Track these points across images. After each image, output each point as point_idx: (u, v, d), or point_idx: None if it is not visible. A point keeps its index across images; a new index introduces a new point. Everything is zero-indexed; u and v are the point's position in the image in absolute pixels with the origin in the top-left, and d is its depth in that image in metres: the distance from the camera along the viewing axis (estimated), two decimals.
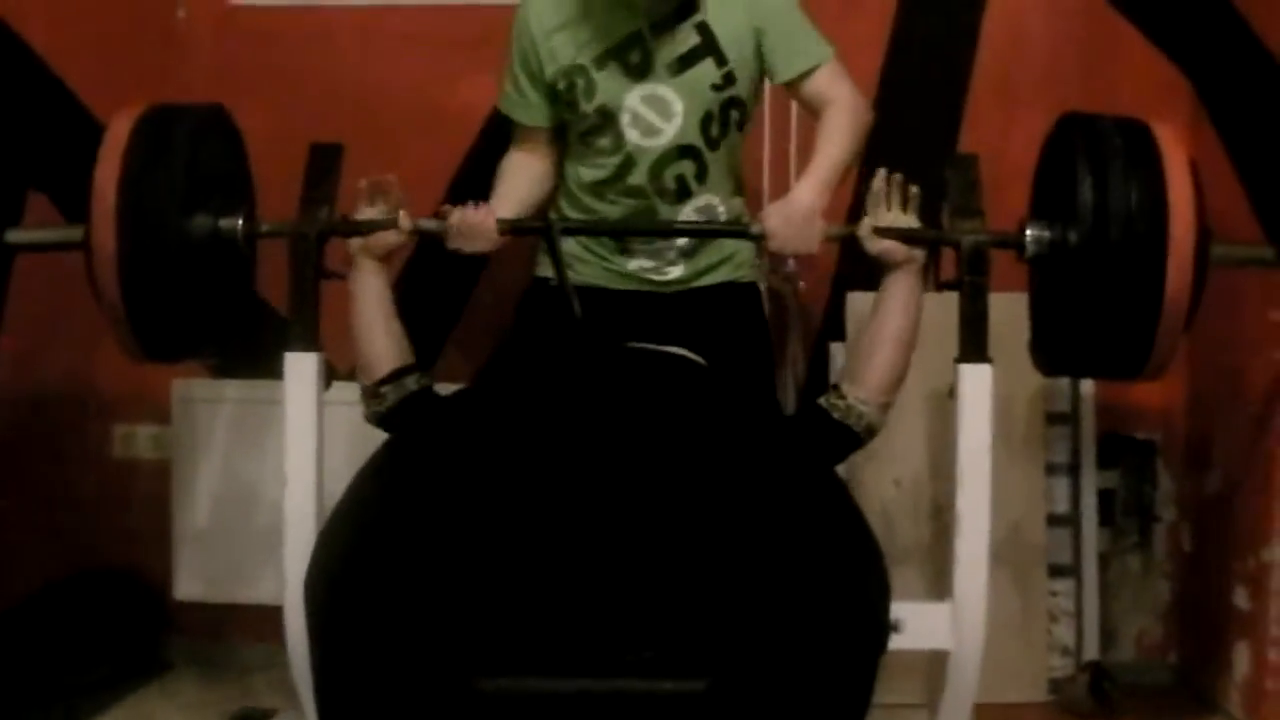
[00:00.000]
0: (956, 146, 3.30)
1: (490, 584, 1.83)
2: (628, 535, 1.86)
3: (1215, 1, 3.21)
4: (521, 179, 2.67)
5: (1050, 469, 3.30)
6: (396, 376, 2.37)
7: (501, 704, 1.78)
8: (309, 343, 2.42)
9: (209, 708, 3.29)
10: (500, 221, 2.47)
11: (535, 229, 2.61)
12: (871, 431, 2.30)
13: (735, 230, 2.64)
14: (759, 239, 2.47)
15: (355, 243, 2.41)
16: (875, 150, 3.32)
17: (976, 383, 2.37)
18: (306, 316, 2.42)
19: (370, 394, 2.38)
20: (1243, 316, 3.03)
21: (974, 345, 2.37)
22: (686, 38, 2.56)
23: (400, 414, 2.35)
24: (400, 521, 1.95)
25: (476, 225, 2.45)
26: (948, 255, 2.42)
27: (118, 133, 2.35)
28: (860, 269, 3.16)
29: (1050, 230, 2.36)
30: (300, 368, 2.42)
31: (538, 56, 2.61)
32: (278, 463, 2.43)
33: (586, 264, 2.70)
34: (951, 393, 2.39)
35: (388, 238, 2.41)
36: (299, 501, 2.40)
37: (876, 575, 1.94)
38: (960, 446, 2.37)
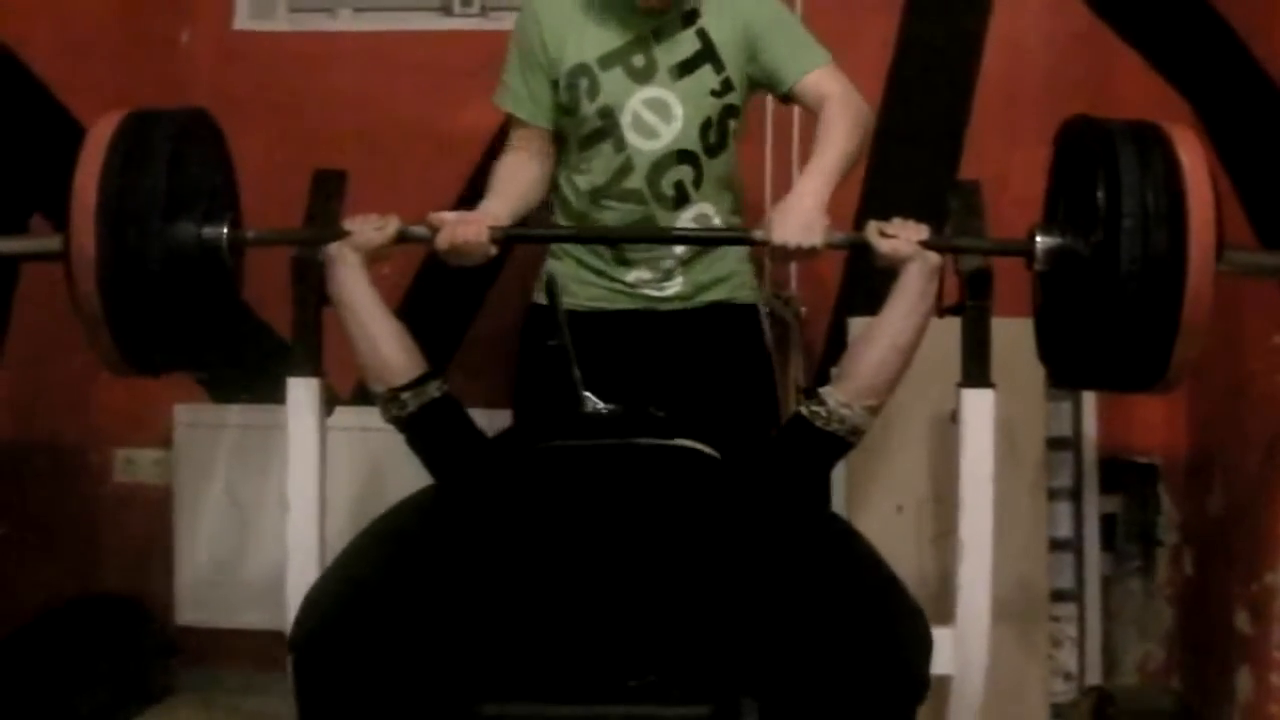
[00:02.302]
0: (958, 174, 3.30)
1: (495, 611, 1.84)
2: (630, 567, 1.87)
3: (1215, 26, 3.23)
4: (517, 181, 2.65)
5: (1052, 494, 3.30)
6: (418, 383, 2.32)
7: None
8: (311, 368, 2.41)
9: None
10: (493, 229, 2.44)
11: (529, 237, 2.59)
12: (858, 433, 2.26)
13: (736, 236, 2.63)
14: (761, 243, 2.44)
15: (334, 245, 2.37)
16: (878, 179, 3.36)
17: (979, 408, 2.36)
18: (309, 341, 2.42)
19: (389, 399, 2.32)
20: (1244, 341, 3.04)
21: (976, 370, 2.36)
22: (688, 43, 2.60)
23: (423, 419, 2.32)
24: (407, 554, 1.96)
25: (469, 240, 2.41)
26: (950, 280, 2.42)
27: (99, 135, 2.30)
28: (862, 293, 3.18)
29: (1062, 237, 2.31)
30: (302, 393, 2.41)
31: (546, 54, 2.62)
32: (280, 488, 2.43)
33: (585, 285, 2.70)
34: (954, 418, 2.39)
35: (372, 236, 2.36)
36: (301, 527, 2.39)
37: (910, 627, 1.92)
38: (963, 472, 2.37)
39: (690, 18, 2.60)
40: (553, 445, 2.25)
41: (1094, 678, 3.32)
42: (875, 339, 2.28)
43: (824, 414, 2.24)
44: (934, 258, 2.30)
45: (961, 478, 2.37)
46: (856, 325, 3.21)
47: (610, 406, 2.35)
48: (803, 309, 3.31)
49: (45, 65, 3.43)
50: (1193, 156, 2.19)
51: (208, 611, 3.40)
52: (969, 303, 2.36)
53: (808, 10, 3.31)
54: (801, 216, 2.39)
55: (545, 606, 1.85)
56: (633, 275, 2.69)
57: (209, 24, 3.49)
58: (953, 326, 2.39)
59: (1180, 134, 2.24)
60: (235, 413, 3.35)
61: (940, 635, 2.33)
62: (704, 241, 2.68)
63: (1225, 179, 3.16)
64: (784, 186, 3.23)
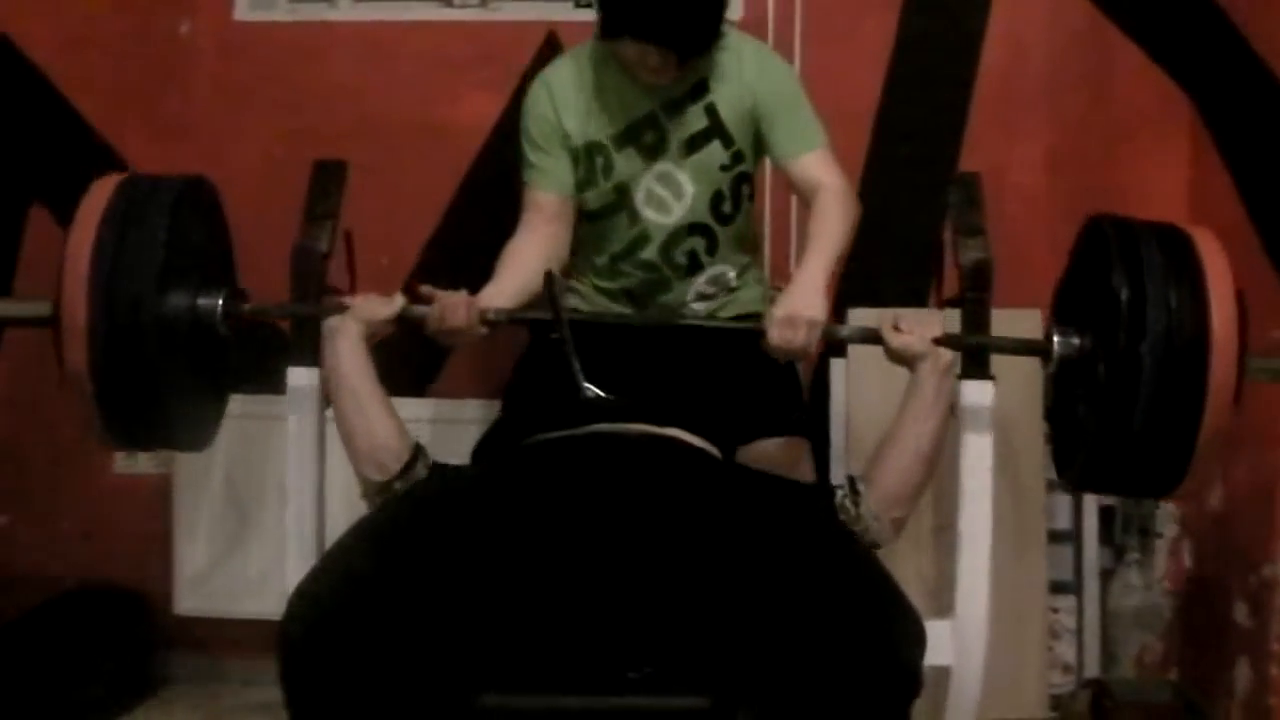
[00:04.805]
0: (958, 165, 3.30)
1: (491, 603, 1.83)
2: (628, 558, 1.86)
3: (1215, 20, 3.22)
4: (522, 267, 2.55)
5: (1051, 486, 3.29)
6: (408, 468, 2.22)
7: None
8: (311, 358, 2.40)
9: None
10: (486, 310, 2.39)
11: (519, 319, 2.50)
12: (876, 546, 2.18)
13: (742, 326, 2.53)
14: (763, 335, 2.38)
15: (335, 317, 2.33)
16: (878, 173, 3.36)
17: (978, 399, 2.36)
18: (309, 332, 2.41)
19: (380, 490, 2.23)
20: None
21: (976, 362, 2.36)
22: (697, 119, 2.58)
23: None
24: (400, 548, 1.95)
25: (458, 326, 2.36)
26: (950, 270, 2.42)
27: (94, 202, 2.23)
28: (862, 286, 3.18)
29: (1080, 337, 2.26)
30: (302, 383, 2.41)
31: (561, 127, 2.59)
32: (279, 478, 2.43)
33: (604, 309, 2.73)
34: (953, 410, 2.39)
35: (378, 309, 2.32)
36: (300, 517, 2.40)
37: (904, 623, 1.92)
38: (962, 463, 2.37)
39: (699, 91, 2.57)
40: (550, 435, 2.25)
41: (1092, 670, 3.32)
42: (897, 445, 2.21)
43: (852, 514, 2.17)
44: (947, 355, 2.26)
45: (961, 470, 2.37)
46: (855, 316, 3.20)
47: (609, 397, 2.35)
48: None
49: (45, 55, 3.43)
50: (1217, 266, 2.16)
51: (207, 602, 3.39)
52: (969, 295, 2.36)
53: (808, 5, 3.32)
54: (804, 312, 2.35)
55: (542, 598, 1.84)
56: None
57: (209, 14, 3.47)
58: (953, 319, 2.39)
59: (1204, 240, 2.20)
60: (235, 403, 3.33)
61: (939, 627, 2.34)
62: (712, 328, 2.61)
63: (1225, 173, 3.17)
64: (783, 228, 3.24)
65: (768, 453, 2.58)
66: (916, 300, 3.22)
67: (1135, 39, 3.37)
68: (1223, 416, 2.12)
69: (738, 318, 2.74)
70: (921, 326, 2.26)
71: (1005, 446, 2.59)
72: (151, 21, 3.48)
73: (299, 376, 2.41)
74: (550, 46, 3.35)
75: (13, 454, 3.42)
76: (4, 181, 3.44)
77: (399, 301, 2.34)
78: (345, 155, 2.56)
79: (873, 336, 2.31)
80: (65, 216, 3.34)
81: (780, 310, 2.36)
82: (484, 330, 2.39)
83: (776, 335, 2.33)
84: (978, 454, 2.37)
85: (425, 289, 2.38)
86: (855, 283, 3.32)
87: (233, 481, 3.32)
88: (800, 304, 2.36)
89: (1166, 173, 3.37)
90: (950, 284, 2.45)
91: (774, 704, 1.78)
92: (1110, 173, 3.39)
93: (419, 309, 2.36)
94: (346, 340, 2.30)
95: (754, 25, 3.31)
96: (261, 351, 2.66)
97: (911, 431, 2.21)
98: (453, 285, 3.01)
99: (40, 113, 3.42)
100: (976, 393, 2.36)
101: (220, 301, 2.33)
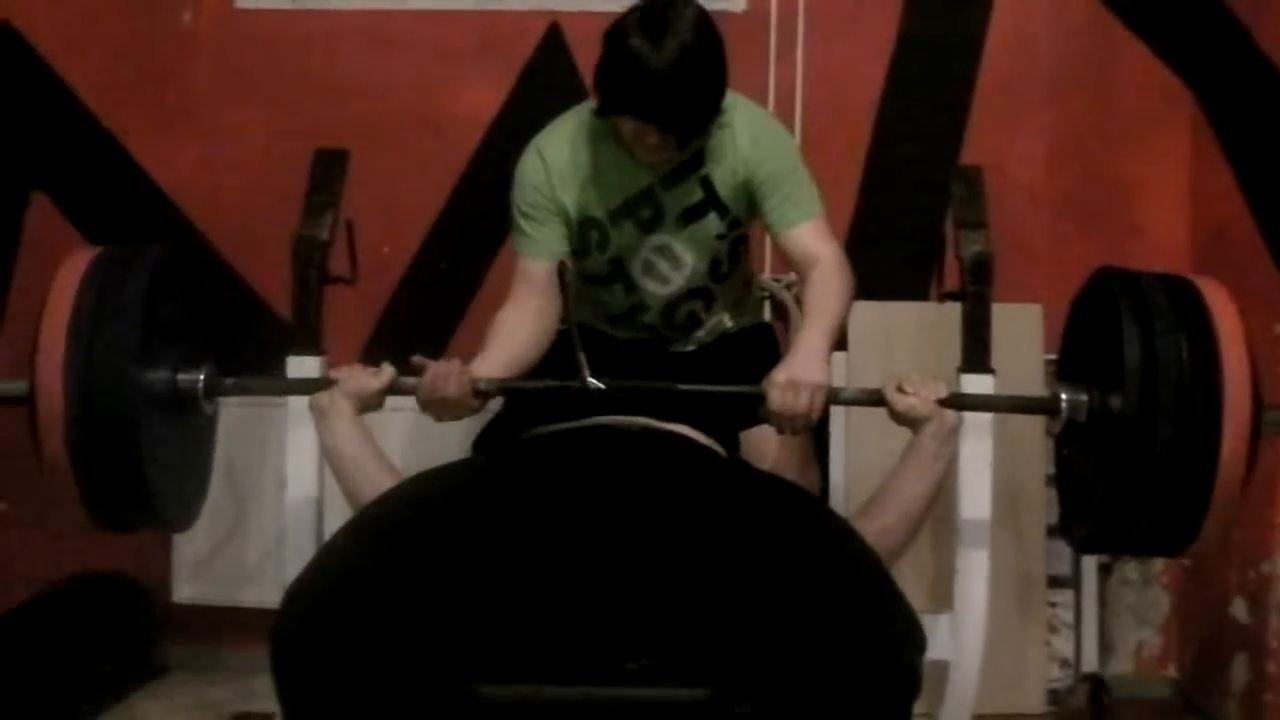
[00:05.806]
0: (960, 159, 3.30)
1: (488, 593, 1.83)
2: (627, 550, 1.86)
3: (1218, 13, 3.22)
4: (512, 341, 2.47)
5: (1050, 480, 3.29)
6: None
7: (499, 712, 1.78)
8: (312, 346, 2.41)
9: (206, 711, 3.30)
10: (477, 380, 2.30)
11: (513, 389, 2.41)
12: None
13: (742, 393, 2.38)
14: (763, 402, 2.31)
15: (324, 395, 2.26)
16: (882, 165, 3.36)
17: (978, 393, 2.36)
18: (310, 320, 2.41)
19: None
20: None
21: (976, 356, 2.36)
22: (692, 192, 2.51)
23: None
24: (396, 541, 1.95)
25: (450, 395, 2.27)
26: (951, 264, 2.42)
27: (67, 279, 2.12)
28: (864, 279, 3.18)
29: (1088, 394, 2.20)
30: (303, 371, 2.41)
31: (555, 198, 2.50)
32: (278, 465, 2.43)
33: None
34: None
35: (367, 382, 2.26)
36: (299, 504, 2.40)
37: (903, 623, 1.91)
38: (961, 458, 2.36)
39: (695, 163, 2.49)
40: (552, 428, 2.25)
41: (1090, 665, 3.33)
42: (887, 502, 2.18)
43: None
44: (952, 418, 2.22)
45: (960, 464, 2.36)
46: (857, 309, 3.19)
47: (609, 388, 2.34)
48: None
49: (47, 44, 3.43)
50: (1227, 318, 2.12)
51: (205, 590, 3.40)
52: (969, 289, 2.36)
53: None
54: (806, 377, 2.29)
55: (540, 589, 1.84)
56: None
57: (210, 3, 3.48)
58: (953, 312, 2.39)
59: (1214, 293, 2.17)
60: None
61: (938, 621, 2.35)
62: (713, 396, 2.43)
63: (1226, 165, 3.18)
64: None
65: (766, 438, 2.56)
66: (918, 294, 3.22)
67: (1138, 34, 3.37)
68: (1236, 477, 2.07)
69: (741, 329, 2.74)
70: (926, 388, 2.23)
71: (1003, 441, 2.59)
72: (153, 10, 3.48)
73: (300, 365, 2.41)
74: (552, 37, 3.35)
75: (10, 443, 3.42)
76: (6, 169, 3.44)
77: (388, 373, 2.28)
78: (346, 143, 2.56)
79: (876, 399, 2.26)
80: (66, 205, 3.40)
81: (782, 375, 2.29)
82: (476, 403, 2.33)
83: (778, 400, 2.27)
84: (977, 448, 2.37)
85: (416, 359, 2.30)
86: (857, 277, 3.32)
87: (231, 470, 3.32)
88: (801, 369, 2.30)
89: (1168, 168, 3.38)
90: (951, 278, 2.44)
91: (771, 702, 1.78)
92: (1112, 168, 3.39)
93: (409, 380, 2.29)
94: (343, 422, 2.24)
95: (757, 20, 3.32)
96: (261, 340, 2.66)
97: (905, 491, 2.18)
98: (451, 281, 3.01)
99: (42, 101, 3.43)
100: (976, 386, 2.36)
101: (201, 378, 2.25)
